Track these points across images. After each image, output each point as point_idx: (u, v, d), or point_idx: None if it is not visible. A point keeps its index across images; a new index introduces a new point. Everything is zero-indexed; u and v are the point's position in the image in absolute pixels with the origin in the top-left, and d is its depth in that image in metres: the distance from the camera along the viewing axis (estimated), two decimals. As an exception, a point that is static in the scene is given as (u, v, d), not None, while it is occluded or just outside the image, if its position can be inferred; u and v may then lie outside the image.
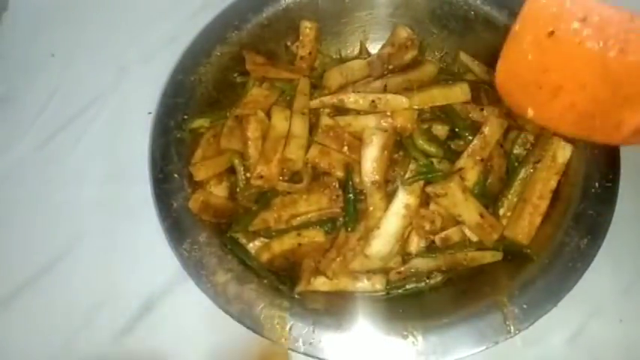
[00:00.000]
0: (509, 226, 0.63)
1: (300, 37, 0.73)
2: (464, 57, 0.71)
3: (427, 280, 0.63)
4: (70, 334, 0.67)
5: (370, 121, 0.64)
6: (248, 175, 0.65)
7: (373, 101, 0.64)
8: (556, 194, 0.62)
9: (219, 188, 0.66)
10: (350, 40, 0.77)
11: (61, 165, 0.72)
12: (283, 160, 0.64)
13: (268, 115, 0.66)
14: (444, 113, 0.66)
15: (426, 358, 0.55)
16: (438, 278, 0.63)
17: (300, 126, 0.65)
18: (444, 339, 0.56)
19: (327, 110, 0.66)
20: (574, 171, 0.62)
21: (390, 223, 0.61)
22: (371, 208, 0.62)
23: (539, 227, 0.62)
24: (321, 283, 0.62)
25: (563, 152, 0.62)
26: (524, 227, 0.62)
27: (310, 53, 0.73)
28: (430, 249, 0.64)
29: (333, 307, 0.60)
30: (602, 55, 0.47)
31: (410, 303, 0.62)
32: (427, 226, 0.63)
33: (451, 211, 0.62)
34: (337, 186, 0.64)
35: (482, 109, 0.65)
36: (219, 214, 0.64)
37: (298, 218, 0.64)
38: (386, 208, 0.62)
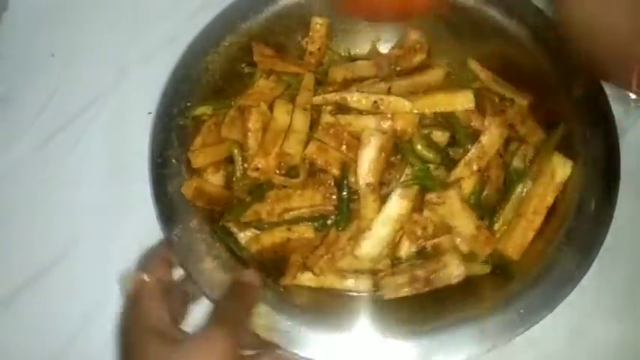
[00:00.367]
0: (500, 240, 0.63)
1: (310, 33, 0.73)
2: (473, 64, 0.70)
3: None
4: (70, 333, 0.68)
5: (370, 121, 0.64)
6: (245, 165, 0.66)
7: (375, 102, 0.64)
8: (551, 210, 0.61)
9: (216, 177, 0.67)
10: (361, 39, 0.76)
11: (61, 165, 0.73)
12: (281, 154, 0.64)
13: (271, 107, 0.67)
14: (445, 119, 0.65)
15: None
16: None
17: (301, 121, 0.65)
18: (438, 341, 0.56)
19: (329, 107, 0.66)
20: (571, 188, 0.61)
21: (382, 225, 0.61)
22: (363, 211, 0.62)
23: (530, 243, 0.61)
24: (307, 279, 0.62)
25: (563, 169, 0.61)
26: (515, 242, 0.61)
27: (319, 49, 0.73)
28: (420, 254, 0.63)
29: (318, 305, 0.61)
30: None
31: (398, 306, 0.62)
32: (419, 232, 0.62)
33: (447, 220, 0.61)
34: (332, 184, 0.64)
35: (484, 118, 0.64)
36: (214, 201, 0.64)
37: (291, 213, 0.64)
38: (379, 210, 0.61)
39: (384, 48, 0.76)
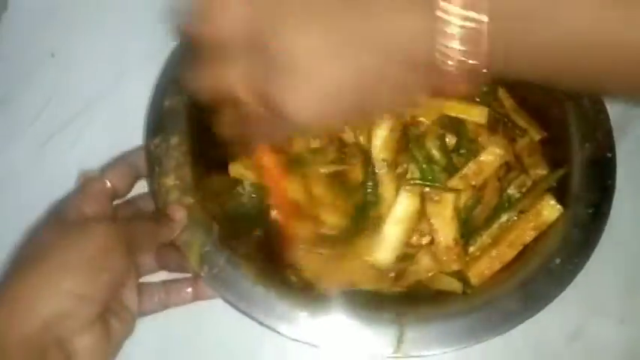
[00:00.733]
0: (468, 262, 0.62)
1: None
2: (501, 92, 0.68)
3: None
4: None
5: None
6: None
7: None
8: (526, 248, 0.61)
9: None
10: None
11: (60, 165, 0.72)
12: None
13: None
14: (455, 127, 0.64)
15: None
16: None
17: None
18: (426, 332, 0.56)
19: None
20: (554, 231, 0.60)
21: (394, 225, 0.60)
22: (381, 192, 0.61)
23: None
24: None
25: (551, 212, 0.60)
26: (479, 268, 0.60)
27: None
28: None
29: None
30: None
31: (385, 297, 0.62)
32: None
33: (432, 220, 0.61)
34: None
35: (490, 137, 0.63)
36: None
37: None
38: (396, 193, 0.61)
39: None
